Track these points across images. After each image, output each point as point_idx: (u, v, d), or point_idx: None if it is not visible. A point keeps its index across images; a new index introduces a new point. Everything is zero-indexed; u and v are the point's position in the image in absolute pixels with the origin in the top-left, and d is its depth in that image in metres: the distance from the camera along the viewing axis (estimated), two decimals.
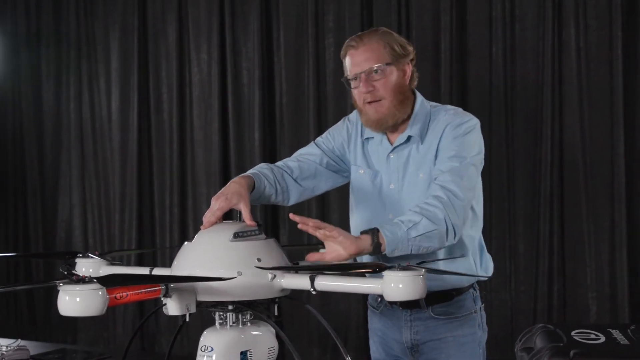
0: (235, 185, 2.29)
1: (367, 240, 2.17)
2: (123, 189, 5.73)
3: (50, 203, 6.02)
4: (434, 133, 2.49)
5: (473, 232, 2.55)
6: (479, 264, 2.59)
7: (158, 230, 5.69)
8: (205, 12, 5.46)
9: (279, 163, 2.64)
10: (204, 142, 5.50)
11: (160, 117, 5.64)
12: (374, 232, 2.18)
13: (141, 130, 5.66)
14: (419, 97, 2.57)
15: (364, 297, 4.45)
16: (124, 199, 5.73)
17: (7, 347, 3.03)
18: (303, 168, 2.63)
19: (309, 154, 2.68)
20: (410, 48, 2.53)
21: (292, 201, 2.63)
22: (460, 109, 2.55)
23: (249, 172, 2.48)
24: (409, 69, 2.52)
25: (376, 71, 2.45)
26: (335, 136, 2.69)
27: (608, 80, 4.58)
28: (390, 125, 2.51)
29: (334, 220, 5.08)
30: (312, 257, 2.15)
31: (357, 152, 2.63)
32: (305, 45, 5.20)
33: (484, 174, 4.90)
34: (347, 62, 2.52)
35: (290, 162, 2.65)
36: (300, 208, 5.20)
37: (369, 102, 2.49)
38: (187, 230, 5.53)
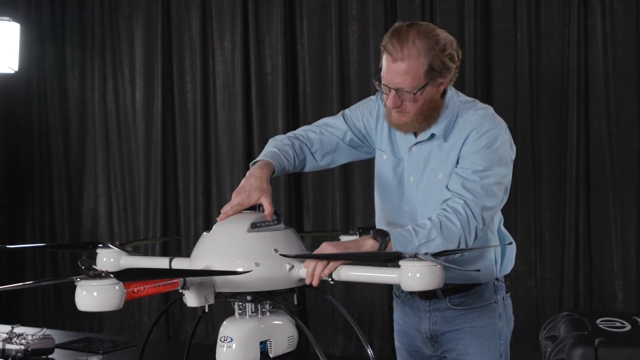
0: (256, 180, 2.21)
1: (374, 246, 2.09)
2: (148, 178, 5.74)
3: (75, 192, 6.04)
4: (459, 134, 2.34)
5: (493, 226, 2.50)
6: (499, 258, 2.53)
7: (183, 218, 5.71)
8: (229, 1, 5.45)
9: (300, 132, 2.56)
10: (228, 131, 5.50)
11: (184, 106, 5.65)
12: (383, 239, 2.09)
13: (165, 119, 5.67)
14: (449, 92, 2.40)
15: (388, 285, 4.44)
16: (148, 187, 5.74)
17: (32, 336, 3.05)
18: (324, 142, 2.54)
19: (333, 127, 2.57)
20: (454, 65, 2.30)
21: (307, 170, 2.59)
22: (490, 110, 2.39)
23: (270, 149, 2.41)
24: (445, 83, 2.33)
25: (408, 92, 2.27)
26: (364, 113, 2.57)
27: (635, 65, 4.54)
28: (411, 131, 2.41)
29: (357, 207, 5.08)
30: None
31: (383, 135, 2.53)
32: (328, 32, 5.18)
33: None
34: (383, 62, 2.30)
35: (312, 132, 2.55)
36: (324, 197, 5.20)
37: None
38: (211, 218, 5.53)
